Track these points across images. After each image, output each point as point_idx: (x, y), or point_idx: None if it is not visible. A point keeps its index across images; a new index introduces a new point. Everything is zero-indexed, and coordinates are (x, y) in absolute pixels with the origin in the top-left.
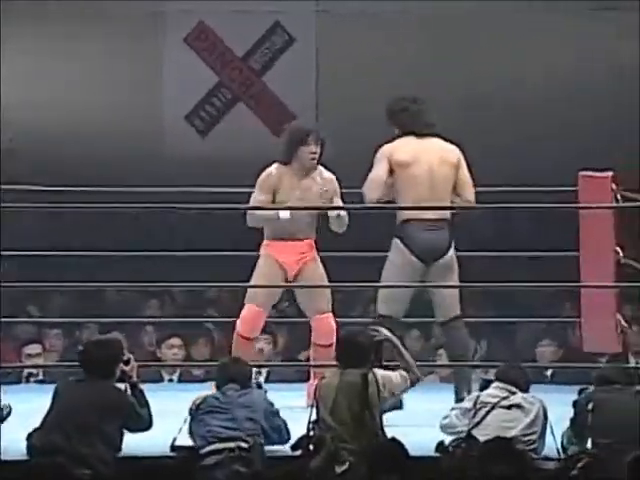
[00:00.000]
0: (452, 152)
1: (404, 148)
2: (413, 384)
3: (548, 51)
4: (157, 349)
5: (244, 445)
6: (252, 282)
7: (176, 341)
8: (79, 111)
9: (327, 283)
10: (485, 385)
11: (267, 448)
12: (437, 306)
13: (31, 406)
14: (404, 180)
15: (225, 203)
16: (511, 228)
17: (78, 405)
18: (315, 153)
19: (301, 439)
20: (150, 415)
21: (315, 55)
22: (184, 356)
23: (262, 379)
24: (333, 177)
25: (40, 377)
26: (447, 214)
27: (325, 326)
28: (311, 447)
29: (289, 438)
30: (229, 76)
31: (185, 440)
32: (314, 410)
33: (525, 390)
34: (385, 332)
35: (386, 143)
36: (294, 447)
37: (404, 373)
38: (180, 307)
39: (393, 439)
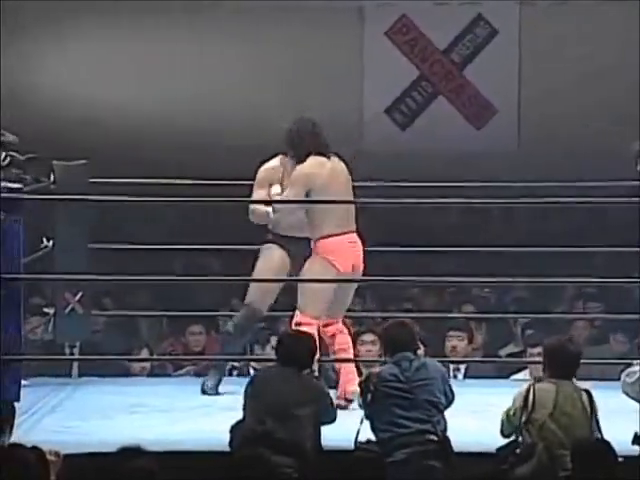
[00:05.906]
0: None
1: None
2: None
3: None
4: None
5: (434, 438)
6: None
7: (369, 337)
8: (279, 106)
9: None
10: None
11: (458, 444)
12: None
13: (233, 398)
14: None
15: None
16: None
17: (279, 396)
18: None
19: (510, 443)
20: (335, 408)
21: (518, 47)
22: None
23: (460, 376)
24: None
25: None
26: None
27: None
28: (518, 451)
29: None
30: (430, 69)
31: (367, 434)
32: (524, 413)
33: None
34: None
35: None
36: (501, 449)
37: None
38: (382, 302)
39: (601, 439)
